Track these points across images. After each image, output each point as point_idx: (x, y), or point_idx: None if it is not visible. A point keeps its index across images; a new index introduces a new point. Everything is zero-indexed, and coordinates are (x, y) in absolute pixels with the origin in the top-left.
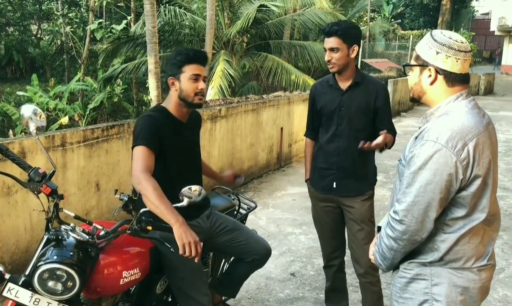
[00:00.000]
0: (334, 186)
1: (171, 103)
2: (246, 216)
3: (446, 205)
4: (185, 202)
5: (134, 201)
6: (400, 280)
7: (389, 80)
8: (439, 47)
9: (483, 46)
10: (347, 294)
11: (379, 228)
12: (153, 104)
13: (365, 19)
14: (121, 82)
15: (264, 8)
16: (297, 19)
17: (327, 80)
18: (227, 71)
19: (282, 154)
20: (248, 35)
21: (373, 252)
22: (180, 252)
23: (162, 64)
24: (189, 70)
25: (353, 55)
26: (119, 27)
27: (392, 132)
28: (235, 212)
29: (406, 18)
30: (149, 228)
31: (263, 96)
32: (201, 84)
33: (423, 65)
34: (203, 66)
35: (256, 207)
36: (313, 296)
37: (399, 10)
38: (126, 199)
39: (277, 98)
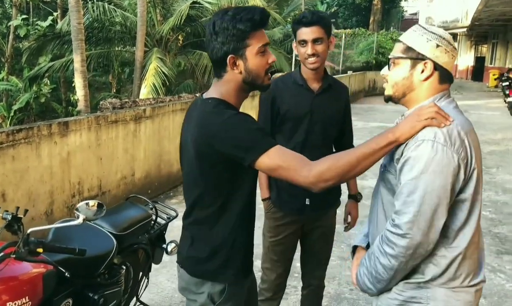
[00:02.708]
0: (307, 202)
1: (230, 91)
2: (165, 226)
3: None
4: (80, 219)
5: (20, 220)
6: (390, 301)
7: (335, 78)
8: (439, 39)
9: None
10: None
11: (354, 248)
12: (81, 104)
13: None
14: (48, 81)
15: (198, 5)
16: None
17: (293, 79)
18: (161, 70)
19: None
20: (183, 33)
21: (357, 276)
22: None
23: (90, 63)
24: (256, 41)
25: (330, 50)
26: (45, 24)
27: (351, 141)
28: (153, 223)
29: (339, 17)
30: (40, 250)
31: (197, 95)
32: (270, 56)
33: (417, 58)
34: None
35: (177, 215)
36: None
37: (332, 10)
38: (10, 217)
39: None
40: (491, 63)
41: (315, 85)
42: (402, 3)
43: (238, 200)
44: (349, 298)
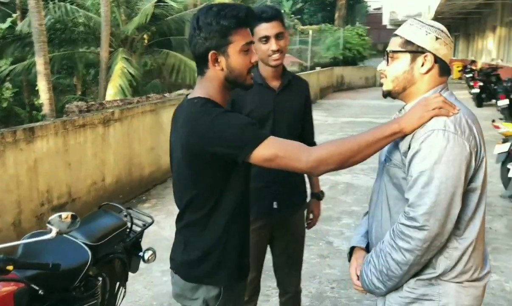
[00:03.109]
0: (275, 205)
1: (213, 90)
2: (141, 233)
3: None
4: (53, 233)
5: None
6: (401, 300)
7: (295, 74)
8: (438, 32)
9: (377, 40)
10: None
11: (351, 250)
12: (46, 108)
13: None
14: (10, 85)
15: (163, 4)
16: None
17: (252, 77)
18: (127, 70)
19: None
20: (148, 32)
21: (362, 276)
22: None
23: (54, 65)
24: (240, 39)
25: (287, 44)
26: (4, 26)
27: (311, 135)
28: (128, 231)
29: (305, 13)
30: (10, 267)
31: (166, 95)
32: (254, 55)
33: (417, 51)
34: (251, 28)
35: (153, 222)
36: None
37: (298, 6)
38: None
39: (180, 96)
40: (454, 56)
41: (275, 83)
42: None
43: (230, 200)
44: (331, 297)
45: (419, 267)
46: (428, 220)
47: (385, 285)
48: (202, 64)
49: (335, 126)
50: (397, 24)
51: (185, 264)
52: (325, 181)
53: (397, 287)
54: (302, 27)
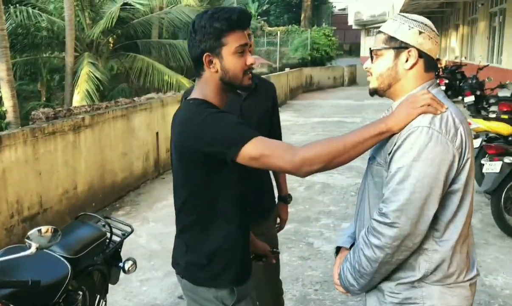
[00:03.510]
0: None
1: (209, 91)
2: (121, 243)
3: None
4: (33, 248)
5: None
6: None
7: (261, 76)
8: (421, 26)
9: (343, 40)
10: None
11: (338, 249)
12: (10, 116)
13: None
14: None
15: (129, 7)
16: (164, 17)
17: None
18: (93, 74)
19: (160, 160)
20: (114, 36)
21: (340, 273)
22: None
23: (16, 71)
24: (233, 41)
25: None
26: None
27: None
28: (107, 242)
29: (271, 15)
30: None
31: (135, 99)
32: (250, 58)
33: (401, 47)
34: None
35: (132, 231)
36: None
37: (264, 8)
38: None
39: (150, 101)
40: None
41: None
42: None
43: (226, 202)
44: (315, 299)
45: (390, 267)
46: (399, 217)
47: (357, 282)
48: (198, 67)
49: (307, 126)
50: (362, 24)
51: (190, 268)
52: (301, 182)
53: (370, 287)
54: (269, 28)
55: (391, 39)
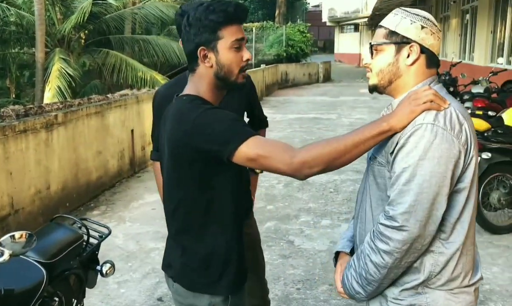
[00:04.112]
0: None
1: (203, 87)
2: (98, 246)
3: None
4: (5, 256)
5: None
6: None
7: None
8: (423, 21)
9: (317, 36)
10: None
11: (337, 254)
12: None
13: None
14: None
15: (101, 2)
16: (137, 12)
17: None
18: (65, 71)
19: (136, 159)
20: (86, 31)
21: (343, 280)
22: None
23: None
24: (229, 35)
25: None
26: None
27: (264, 124)
28: (84, 244)
29: None
30: None
31: (108, 96)
32: (246, 53)
33: (402, 42)
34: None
35: (110, 233)
36: None
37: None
38: None
39: (124, 97)
40: None
41: None
42: None
43: (223, 203)
44: (298, 298)
45: (399, 271)
46: (408, 219)
47: (364, 289)
48: (192, 62)
49: (284, 123)
50: (336, 21)
51: (187, 272)
52: (280, 178)
53: (378, 293)
54: (244, 24)
55: (392, 33)
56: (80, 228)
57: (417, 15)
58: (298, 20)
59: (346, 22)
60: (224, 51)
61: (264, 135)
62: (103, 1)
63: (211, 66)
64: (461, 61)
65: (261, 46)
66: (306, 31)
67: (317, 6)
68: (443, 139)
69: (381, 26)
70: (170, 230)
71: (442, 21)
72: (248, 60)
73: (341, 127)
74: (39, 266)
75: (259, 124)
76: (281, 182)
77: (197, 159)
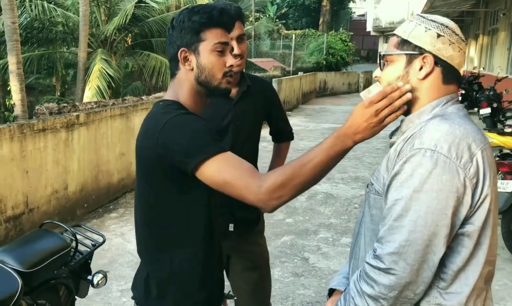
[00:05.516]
0: (231, 228)
1: (183, 92)
2: (91, 254)
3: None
4: None
5: None
6: None
7: (273, 79)
8: (440, 28)
9: (361, 46)
10: None
11: (331, 291)
12: (18, 109)
13: (250, 19)
14: None
15: (144, 5)
16: None
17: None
18: (106, 71)
19: None
20: (131, 33)
21: None
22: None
23: (32, 65)
24: (212, 37)
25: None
26: None
27: (287, 136)
28: (72, 253)
29: (289, 18)
30: None
31: (143, 97)
32: (230, 59)
33: (414, 53)
34: (229, 32)
35: (104, 241)
36: None
37: (283, 11)
38: None
39: (157, 99)
40: None
41: (232, 92)
42: (351, 4)
43: (196, 217)
44: None
45: None
46: (397, 262)
47: None
48: (174, 66)
49: (316, 132)
50: (381, 30)
51: (150, 296)
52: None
53: None
54: (286, 31)
55: (404, 42)
56: (73, 235)
57: (434, 21)
58: (342, 28)
59: (390, 32)
60: (206, 54)
61: (286, 149)
62: (146, 4)
63: (192, 69)
64: (507, 76)
65: (301, 54)
66: (348, 40)
67: (362, 15)
68: (445, 169)
69: (394, 34)
70: (138, 246)
71: (490, 34)
72: (231, 66)
73: (376, 139)
74: (15, 275)
75: (280, 136)
76: (303, 194)
77: (166, 170)
